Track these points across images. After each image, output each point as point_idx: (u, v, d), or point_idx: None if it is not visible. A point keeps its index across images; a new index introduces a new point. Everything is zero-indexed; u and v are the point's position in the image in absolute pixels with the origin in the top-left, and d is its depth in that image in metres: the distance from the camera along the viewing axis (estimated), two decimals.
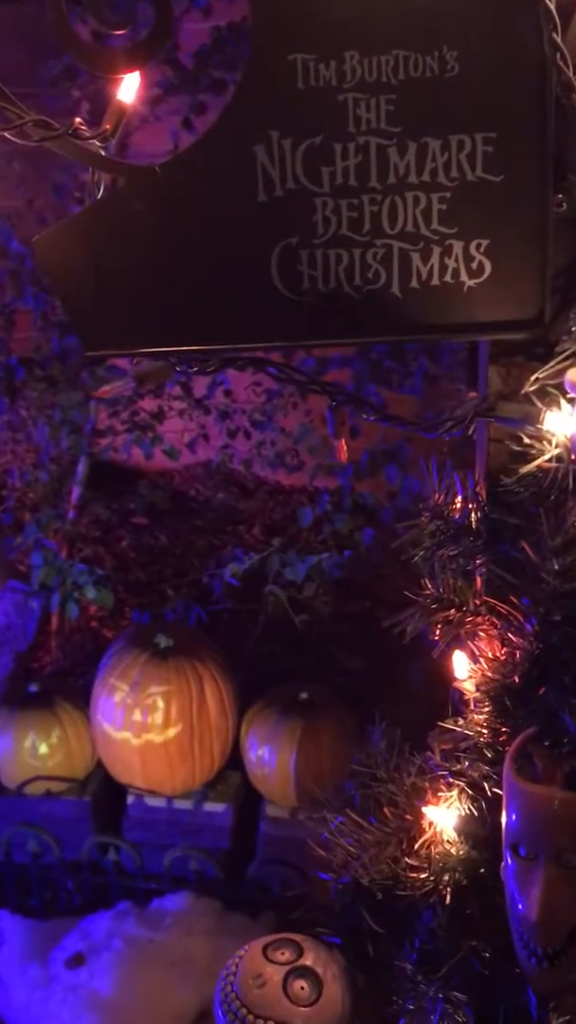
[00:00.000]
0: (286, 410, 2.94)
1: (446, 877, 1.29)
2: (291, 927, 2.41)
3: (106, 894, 2.50)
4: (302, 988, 1.37)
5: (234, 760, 2.64)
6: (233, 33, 3.02)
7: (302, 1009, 1.36)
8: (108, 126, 1.25)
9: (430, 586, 1.32)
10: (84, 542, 3.51)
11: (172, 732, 2.50)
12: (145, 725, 2.48)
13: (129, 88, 1.28)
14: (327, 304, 1.24)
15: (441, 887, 1.29)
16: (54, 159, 3.05)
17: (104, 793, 2.70)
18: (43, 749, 2.57)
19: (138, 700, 2.49)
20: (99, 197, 1.25)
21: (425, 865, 1.30)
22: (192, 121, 2.96)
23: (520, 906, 1.18)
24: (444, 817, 1.32)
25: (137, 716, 2.48)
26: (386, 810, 1.33)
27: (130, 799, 2.62)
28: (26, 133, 1.18)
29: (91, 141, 1.23)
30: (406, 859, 1.30)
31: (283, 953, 1.42)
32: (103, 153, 1.25)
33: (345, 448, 1.31)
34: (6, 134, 1.17)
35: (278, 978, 1.38)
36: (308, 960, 1.41)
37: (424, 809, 1.33)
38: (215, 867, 2.42)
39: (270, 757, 2.49)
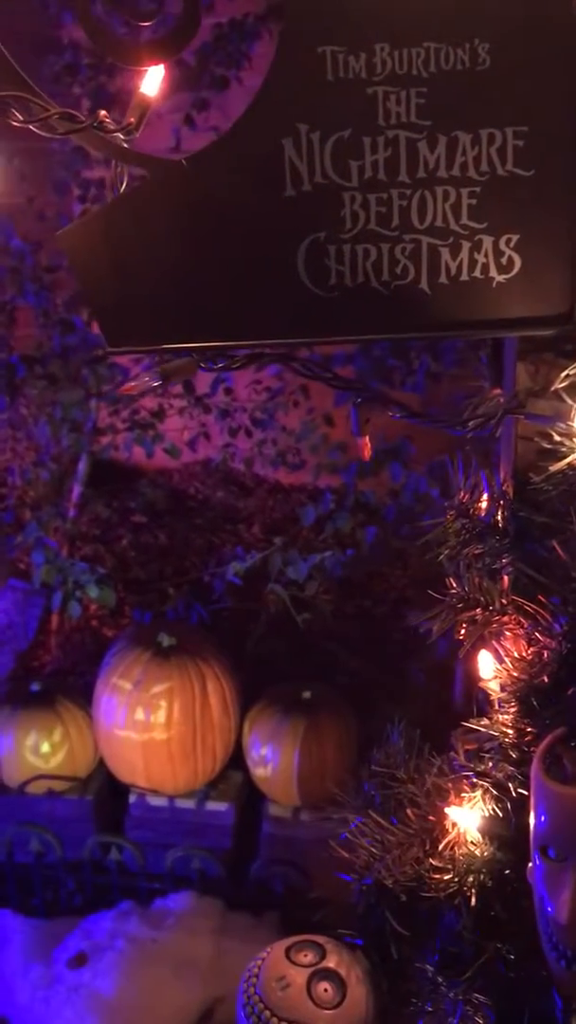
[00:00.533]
0: (288, 408, 2.91)
1: (470, 879, 1.27)
2: (299, 928, 2.38)
3: (108, 894, 2.46)
4: (326, 990, 1.34)
5: (235, 759, 2.61)
6: (235, 30, 2.99)
7: (326, 1012, 1.33)
8: (132, 119, 1.23)
9: (455, 585, 1.29)
10: (84, 541, 3.48)
11: (175, 731, 2.46)
12: (148, 724, 2.45)
13: (153, 81, 1.25)
14: (354, 299, 1.21)
15: (465, 888, 1.27)
16: (54, 156, 3.02)
17: (106, 792, 2.67)
18: (45, 748, 2.53)
19: (141, 699, 2.45)
20: (122, 191, 1.22)
21: (449, 866, 1.28)
22: (194, 118, 2.94)
23: (549, 908, 1.16)
24: (468, 818, 1.29)
25: (140, 715, 2.45)
26: (409, 811, 1.30)
27: (132, 798, 2.59)
28: (52, 126, 1.16)
29: (115, 134, 1.21)
30: (430, 860, 1.28)
31: (306, 955, 1.39)
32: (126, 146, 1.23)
33: (369, 446, 1.28)
34: (32, 127, 1.14)
35: (302, 980, 1.35)
36: (331, 962, 1.38)
37: (447, 810, 1.31)
38: (218, 866, 2.38)
39: (273, 756, 2.46)
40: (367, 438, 1.28)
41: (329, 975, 1.35)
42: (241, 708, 2.58)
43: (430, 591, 1.32)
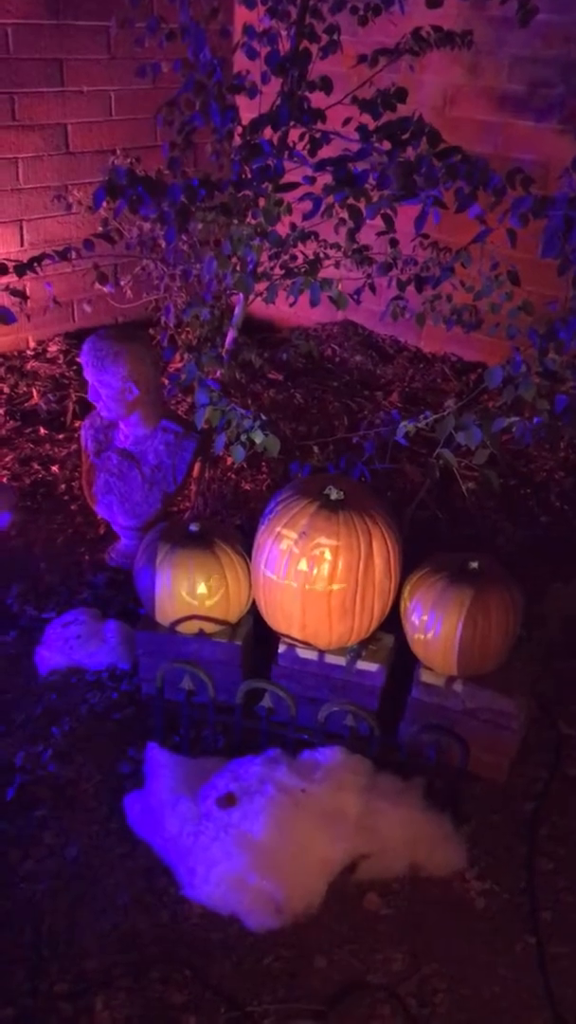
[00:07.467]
0: (470, 260, 2.57)
1: None
2: (442, 796, 2.23)
3: (252, 739, 2.32)
4: None
5: (387, 622, 2.42)
6: None
7: None
8: None
9: None
10: (230, 390, 3.24)
11: (336, 586, 2.27)
12: (310, 576, 2.26)
13: None
14: None
15: None
16: None
17: (252, 640, 2.51)
18: (201, 589, 2.36)
19: (305, 550, 2.25)
20: None
21: None
22: None
23: None
24: None
25: (303, 566, 2.25)
26: None
27: (282, 648, 2.42)
28: None
29: None
30: None
31: None
32: None
33: None
34: None
35: None
36: None
37: None
38: (373, 725, 2.22)
39: (435, 623, 2.26)
40: None
41: None
42: (402, 571, 2.37)
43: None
